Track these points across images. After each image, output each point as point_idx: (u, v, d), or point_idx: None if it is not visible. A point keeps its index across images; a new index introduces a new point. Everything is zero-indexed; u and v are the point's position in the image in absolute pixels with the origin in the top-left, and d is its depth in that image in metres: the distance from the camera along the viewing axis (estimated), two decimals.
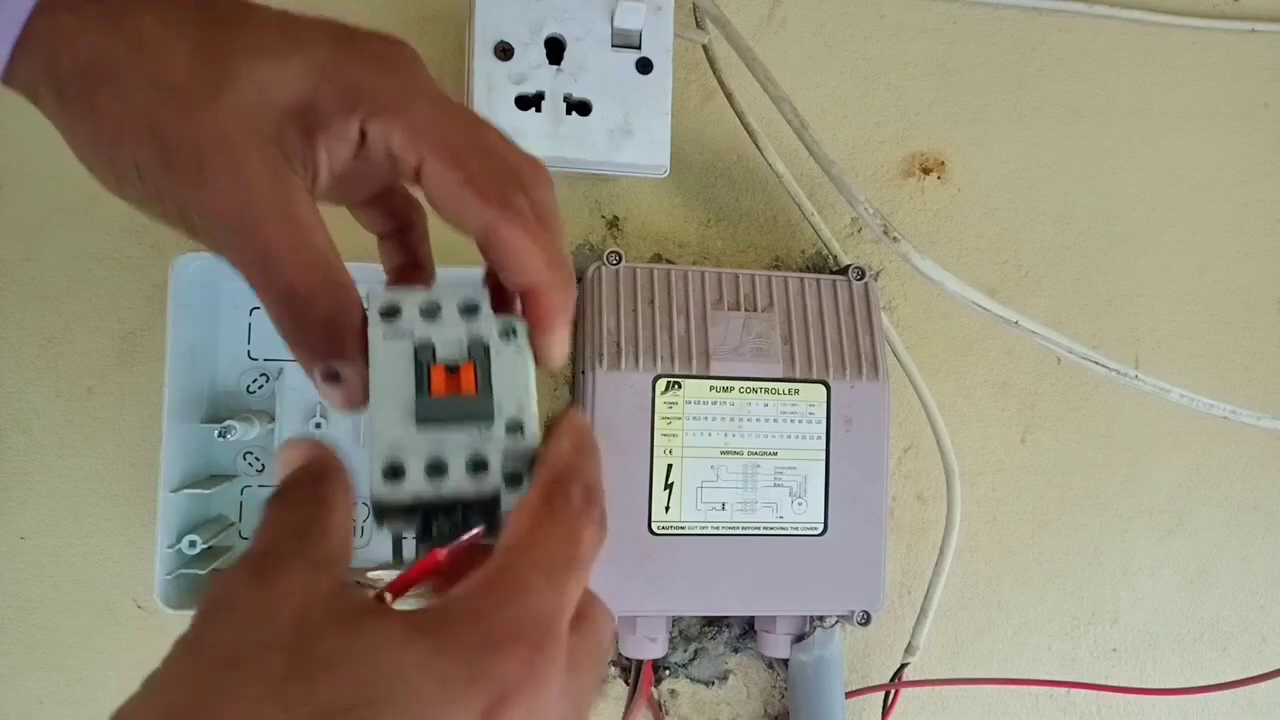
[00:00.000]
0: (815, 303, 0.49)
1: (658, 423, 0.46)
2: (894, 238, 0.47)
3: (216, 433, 0.44)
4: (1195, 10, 0.60)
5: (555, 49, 0.47)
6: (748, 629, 0.53)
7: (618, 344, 0.46)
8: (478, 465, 0.25)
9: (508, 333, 0.26)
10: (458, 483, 0.24)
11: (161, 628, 0.47)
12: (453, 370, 0.25)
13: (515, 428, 0.25)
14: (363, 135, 0.25)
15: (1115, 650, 0.57)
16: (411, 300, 0.26)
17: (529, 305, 0.26)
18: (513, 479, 0.25)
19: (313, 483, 0.23)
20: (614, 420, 0.46)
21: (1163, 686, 0.56)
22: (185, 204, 0.24)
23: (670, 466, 0.46)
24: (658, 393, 0.46)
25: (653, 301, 0.47)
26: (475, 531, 0.24)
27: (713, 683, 0.53)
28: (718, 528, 0.46)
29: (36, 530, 0.47)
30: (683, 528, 0.46)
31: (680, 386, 0.46)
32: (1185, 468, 0.58)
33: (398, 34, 0.29)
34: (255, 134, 0.23)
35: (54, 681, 0.47)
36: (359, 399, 0.25)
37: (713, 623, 0.52)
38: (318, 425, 0.47)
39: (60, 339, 0.47)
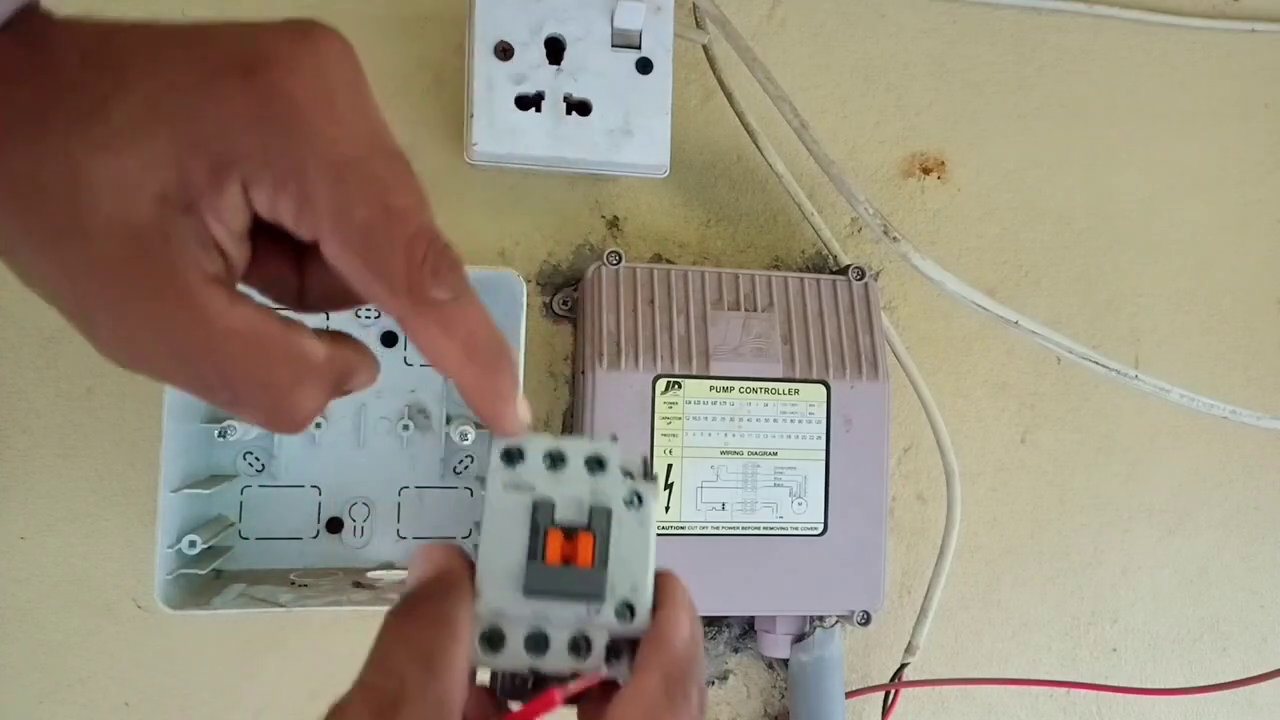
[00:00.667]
0: (815, 303, 0.49)
1: (658, 423, 0.46)
2: (894, 237, 0.47)
3: (216, 433, 0.44)
4: (1195, 10, 0.60)
5: (555, 49, 0.47)
6: (748, 629, 0.53)
7: (618, 344, 0.46)
8: (580, 644, 0.24)
9: (633, 499, 0.25)
10: (557, 660, 0.23)
11: (161, 628, 0.48)
12: (570, 535, 0.24)
13: (625, 610, 0.24)
14: (252, 207, 0.21)
15: (1115, 650, 0.57)
16: (537, 446, 0.25)
17: (461, 393, 0.24)
18: (613, 652, 0.24)
19: (441, 598, 0.22)
20: (614, 420, 0.46)
21: (1163, 686, 0.56)
22: (100, 344, 0.22)
23: (670, 466, 0.46)
24: (658, 393, 0.46)
25: (653, 301, 0.47)
26: (593, 677, 0.24)
27: (713, 683, 0.53)
28: (718, 528, 0.46)
29: (36, 530, 0.47)
30: (683, 528, 0.46)
31: (680, 386, 0.46)
32: (1185, 468, 0.58)
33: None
34: (134, 242, 0.20)
35: (54, 681, 0.47)
36: (300, 429, 0.23)
37: (713, 623, 0.52)
38: (318, 425, 0.47)
39: (60, 339, 0.47)
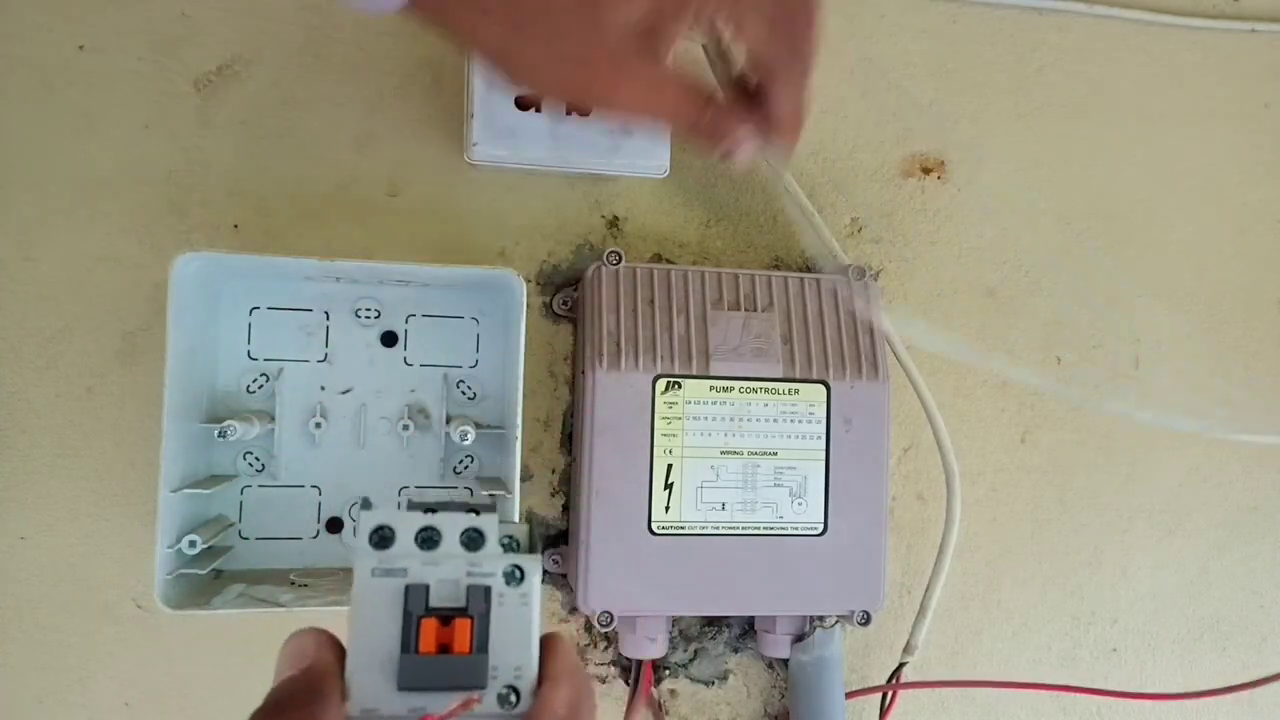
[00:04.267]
0: (815, 303, 0.49)
1: (658, 423, 0.46)
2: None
3: (216, 433, 0.44)
4: (1195, 10, 0.60)
5: None
6: (748, 629, 0.53)
7: (618, 344, 0.46)
8: None
9: (514, 574, 0.23)
10: None
11: (161, 628, 0.48)
12: (446, 621, 0.23)
13: (509, 694, 0.23)
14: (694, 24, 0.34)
15: (1115, 650, 0.57)
16: (408, 524, 0.23)
17: (769, 138, 0.37)
18: None
19: (306, 702, 0.22)
20: (614, 420, 0.46)
21: (1162, 687, 0.56)
22: (595, 99, 0.35)
23: (670, 466, 0.46)
24: (658, 393, 0.46)
25: (653, 301, 0.47)
26: None
27: (713, 683, 0.53)
28: (718, 528, 0.46)
29: (36, 530, 0.47)
30: (683, 528, 0.46)
31: (680, 386, 0.46)
32: (1185, 468, 0.58)
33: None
34: (620, 37, 0.33)
35: (54, 681, 0.47)
36: (751, 155, 0.36)
37: (713, 623, 0.52)
38: (317, 425, 0.47)
39: (60, 339, 0.47)
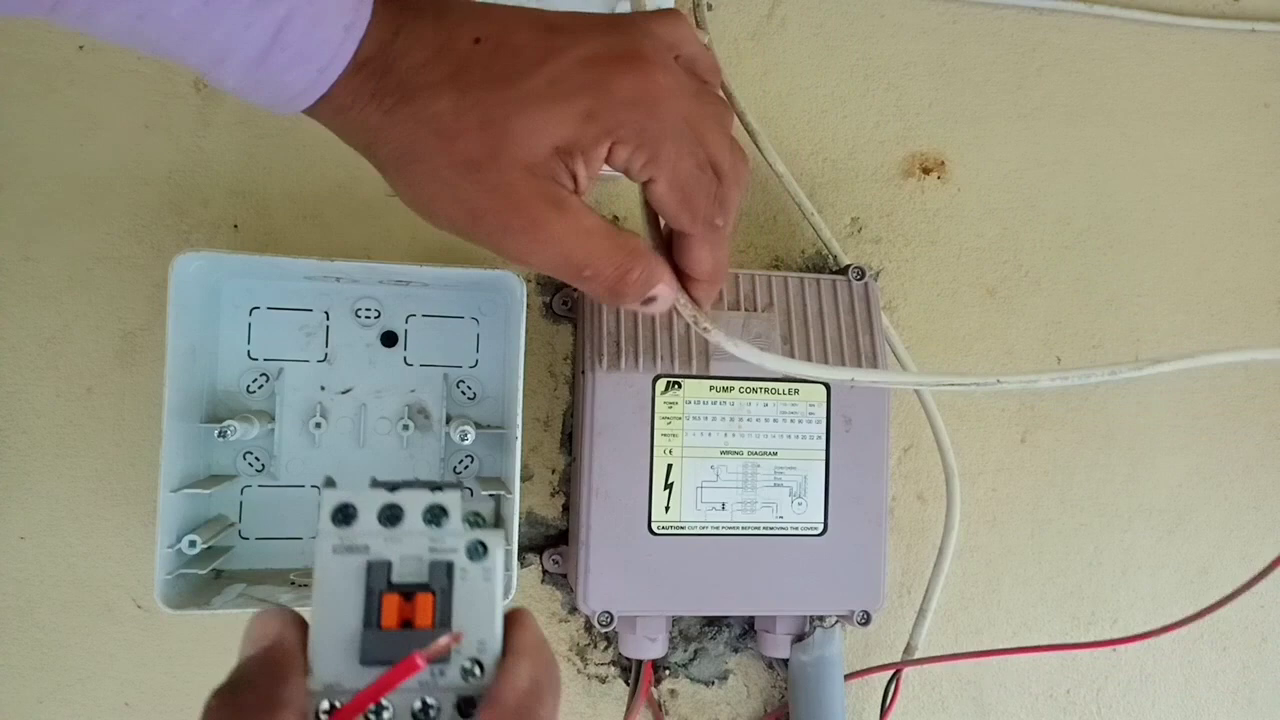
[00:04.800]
0: (815, 303, 0.49)
1: (658, 423, 0.46)
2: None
3: (216, 433, 0.44)
4: (1195, 10, 0.60)
5: None
6: (748, 629, 0.53)
7: (618, 344, 0.46)
8: (426, 711, 0.22)
9: (476, 549, 0.23)
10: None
11: (161, 628, 0.48)
12: (408, 596, 0.23)
13: (473, 668, 0.23)
14: (610, 153, 0.29)
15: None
16: (370, 502, 0.23)
17: (686, 287, 0.34)
18: (464, 711, 0.23)
19: (268, 681, 0.21)
20: (614, 420, 0.46)
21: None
22: (495, 245, 0.30)
23: (670, 466, 0.46)
24: (658, 393, 0.46)
25: None
26: None
27: (713, 683, 0.53)
28: (718, 528, 0.46)
29: (36, 530, 0.47)
30: (683, 528, 0.46)
31: (680, 386, 0.46)
32: (1185, 468, 0.58)
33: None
34: (532, 176, 0.28)
35: (54, 681, 0.47)
36: (669, 305, 0.33)
37: (713, 623, 0.52)
38: (317, 425, 0.47)
39: (60, 339, 0.47)
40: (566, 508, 0.51)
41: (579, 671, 0.52)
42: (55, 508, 0.47)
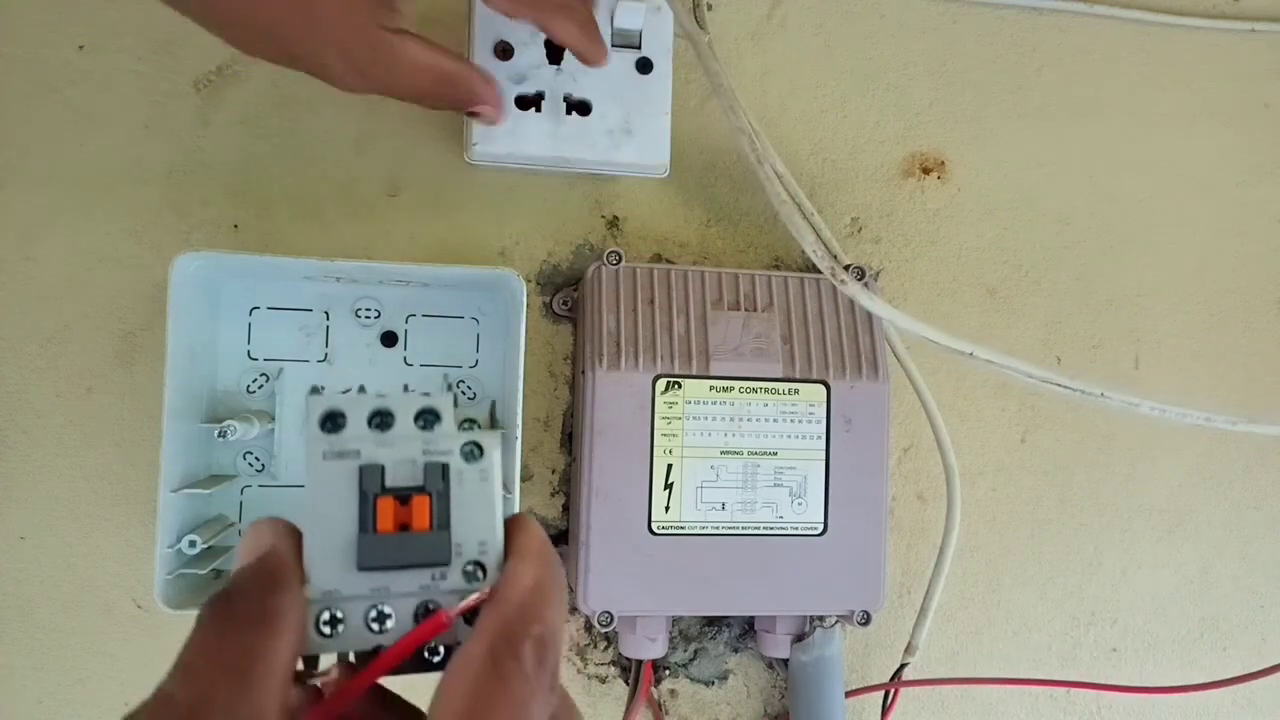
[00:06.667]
0: (815, 303, 0.49)
1: (658, 423, 0.46)
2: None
3: (216, 433, 0.44)
4: (1195, 10, 0.60)
5: (555, 49, 0.47)
6: (748, 629, 0.53)
7: (618, 344, 0.46)
8: (429, 613, 0.22)
9: (472, 451, 0.23)
10: (404, 635, 0.21)
11: (161, 628, 0.48)
12: (404, 500, 0.22)
13: (475, 570, 0.22)
14: None
15: (1115, 650, 0.57)
16: (359, 407, 0.22)
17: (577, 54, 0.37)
18: (467, 617, 0.22)
19: (262, 591, 0.20)
20: (614, 420, 0.46)
21: (1163, 685, 0.56)
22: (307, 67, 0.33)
23: (670, 466, 0.46)
24: (658, 393, 0.46)
25: (653, 301, 0.47)
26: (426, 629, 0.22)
27: (713, 683, 0.53)
28: (718, 528, 0.46)
29: (36, 530, 0.47)
30: (683, 528, 0.46)
31: (680, 386, 0.46)
32: (1185, 468, 0.58)
33: None
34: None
35: (54, 681, 0.47)
36: (498, 119, 0.39)
37: (713, 623, 0.52)
38: None
39: (60, 339, 0.47)
40: (566, 508, 0.51)
41: (579, 671, 0.52)
42: (55, 508, 0.47)
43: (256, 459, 0.47)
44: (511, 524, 0.23)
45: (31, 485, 0.47)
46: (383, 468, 0.22)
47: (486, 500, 0.22)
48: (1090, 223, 0.58)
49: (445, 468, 0.22)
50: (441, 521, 0.22)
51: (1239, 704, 0.59)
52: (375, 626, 0.22)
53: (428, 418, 0.23)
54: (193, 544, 0.42)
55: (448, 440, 0.23)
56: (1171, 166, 0.59)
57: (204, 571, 0.43)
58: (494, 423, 0.24)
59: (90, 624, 0.47)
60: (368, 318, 0.48)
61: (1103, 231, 0.58)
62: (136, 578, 0.47)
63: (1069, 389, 0.48)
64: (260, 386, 0.47)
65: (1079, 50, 0.59)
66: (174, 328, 0.42)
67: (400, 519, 0.22)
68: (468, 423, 0.24)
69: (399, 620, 0.22)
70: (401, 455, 0.22)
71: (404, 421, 0.23)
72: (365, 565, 0.22)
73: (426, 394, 0.23)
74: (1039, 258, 0.57)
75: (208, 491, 0.44)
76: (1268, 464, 0.59)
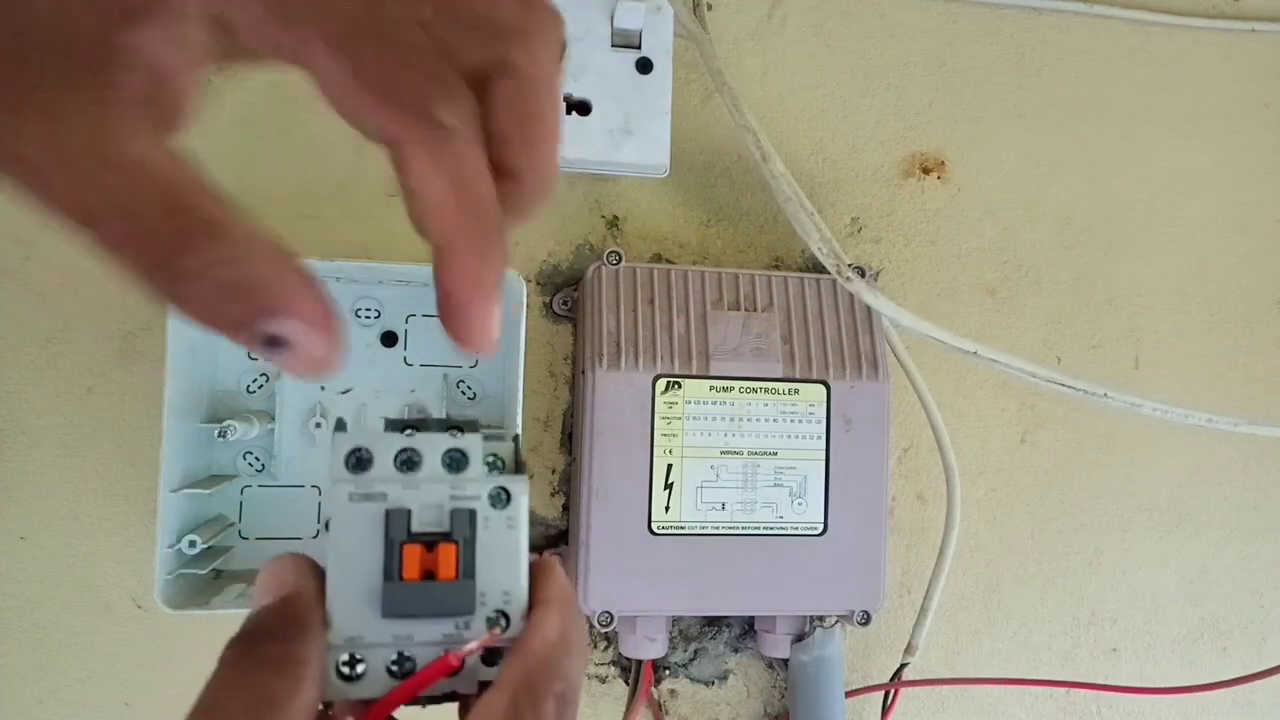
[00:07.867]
0: (815, 303, 0.49)
1: (658, 423, 0.46)
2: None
3: (216, 433, 0.44)
4: (1195, 10, 0.60)
5: None
6: (748, 629, 0.53)
7: (618, 344, 0.46)
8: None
9: (499, 497, 0.22)
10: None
11: (161, 628, 0.48)
12: (430, 546, 0.22)
13: (499, 618, 0.22)
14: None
15: (1115, 650, 0.57)
16: (386, 446, 0.22)
17: (434, 270, 0.19)
18: (488, 661, 0.22)
19: (286, 635, 0.20)
20: (614, 420, 0.46)
21: (1163, 685, 0.56)
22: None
23: (670, 466, 0.46)
24: (658, 393, 0.46)
25: (653, 301, 0.47)
26: (441, 665, 0.21)
27: (713, 683, 0.53)
28: (717, 528, 0.46)
29: (36, 530, 0.47)
30: (683, 528, 0.46)
31: (680, 386, 0.46)
32: (1185, 468, 0.58)
33: None
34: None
35: (54, 681, 0.47)
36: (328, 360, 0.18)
37: (713, 623, 0.52)
38: (318, 425, 0.47)
39: (60, 339, 0.47)
40: (566, 508, 0.51)
41: None
42: (55, 508, 0.47)
43: (256, 459, 0.47)
44: (536, 569, 0.23)
45: (31, 485, 0.47)
46: (409, 512, 0.22)
47: (512, 548, 0.22)
48: (1090, 223, 0.58)
49: (473, 514, 0.22)
50: (467, 570, 0.22)
51: (1239, 703, 0.59)
52: (396, 670, 0.22)
53: (455, 457, 0.23)
54: (193, 544, 0.42)
55: (475, 485, 0.22)
56: (1171, 166, 0.59)
57: (204, 571, 0.43)
58: (519, 463, 0.24)
59: (90, 624, 0.47)
60: (368, 318, 0.48)
61: (1103, 231, 0.58)
62: (136, 578, 0.47)
63: (1073, 389, 0.48)
64: (260, 386, 0.47)
65: (1079, 50, 0.59)
66: (174, 328, 0.42)
67: (426, 566, 0.22)
68: (491, 458, 0.24)
69: (420, 668, 0.22)
70: (428, 499, 0.22)
71: (431, 462, 0.22)
72: (390, 614, 0.21)
73: (454, 427, 0.23)
74: (1039, 258, 0.57)
75: (208, 491, 0.44)
76: (1267, 464, 0.59)
